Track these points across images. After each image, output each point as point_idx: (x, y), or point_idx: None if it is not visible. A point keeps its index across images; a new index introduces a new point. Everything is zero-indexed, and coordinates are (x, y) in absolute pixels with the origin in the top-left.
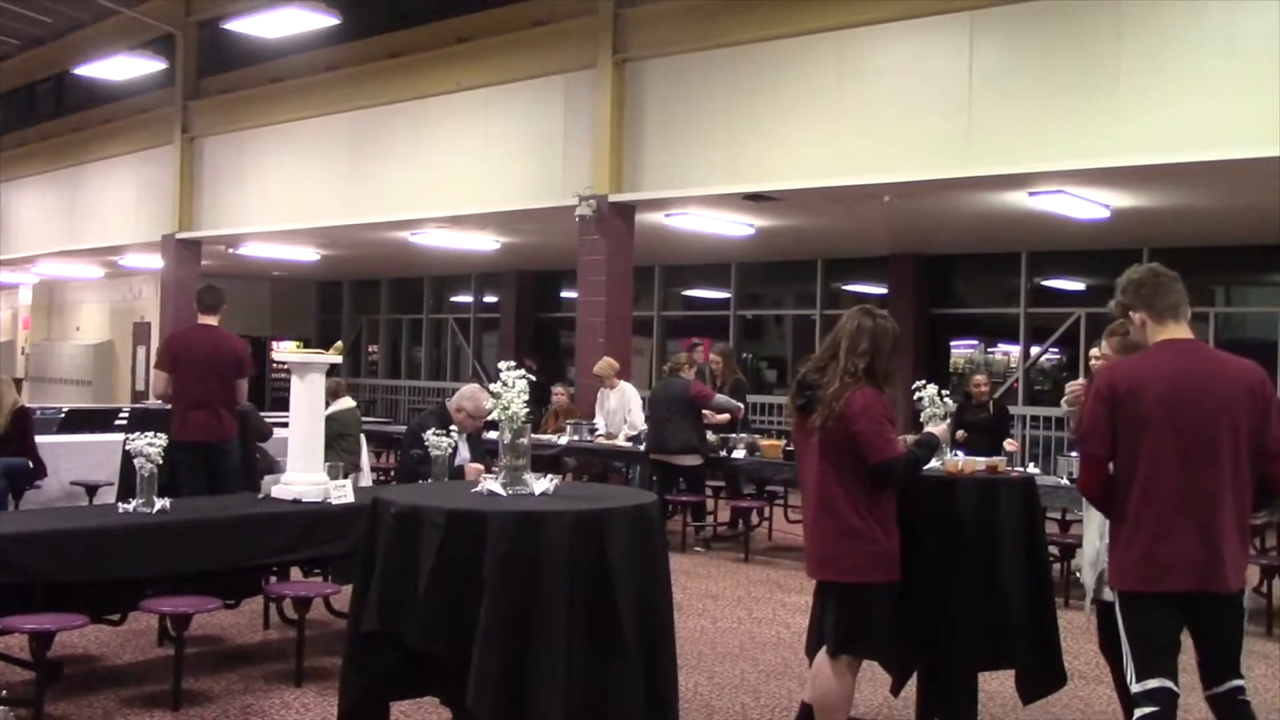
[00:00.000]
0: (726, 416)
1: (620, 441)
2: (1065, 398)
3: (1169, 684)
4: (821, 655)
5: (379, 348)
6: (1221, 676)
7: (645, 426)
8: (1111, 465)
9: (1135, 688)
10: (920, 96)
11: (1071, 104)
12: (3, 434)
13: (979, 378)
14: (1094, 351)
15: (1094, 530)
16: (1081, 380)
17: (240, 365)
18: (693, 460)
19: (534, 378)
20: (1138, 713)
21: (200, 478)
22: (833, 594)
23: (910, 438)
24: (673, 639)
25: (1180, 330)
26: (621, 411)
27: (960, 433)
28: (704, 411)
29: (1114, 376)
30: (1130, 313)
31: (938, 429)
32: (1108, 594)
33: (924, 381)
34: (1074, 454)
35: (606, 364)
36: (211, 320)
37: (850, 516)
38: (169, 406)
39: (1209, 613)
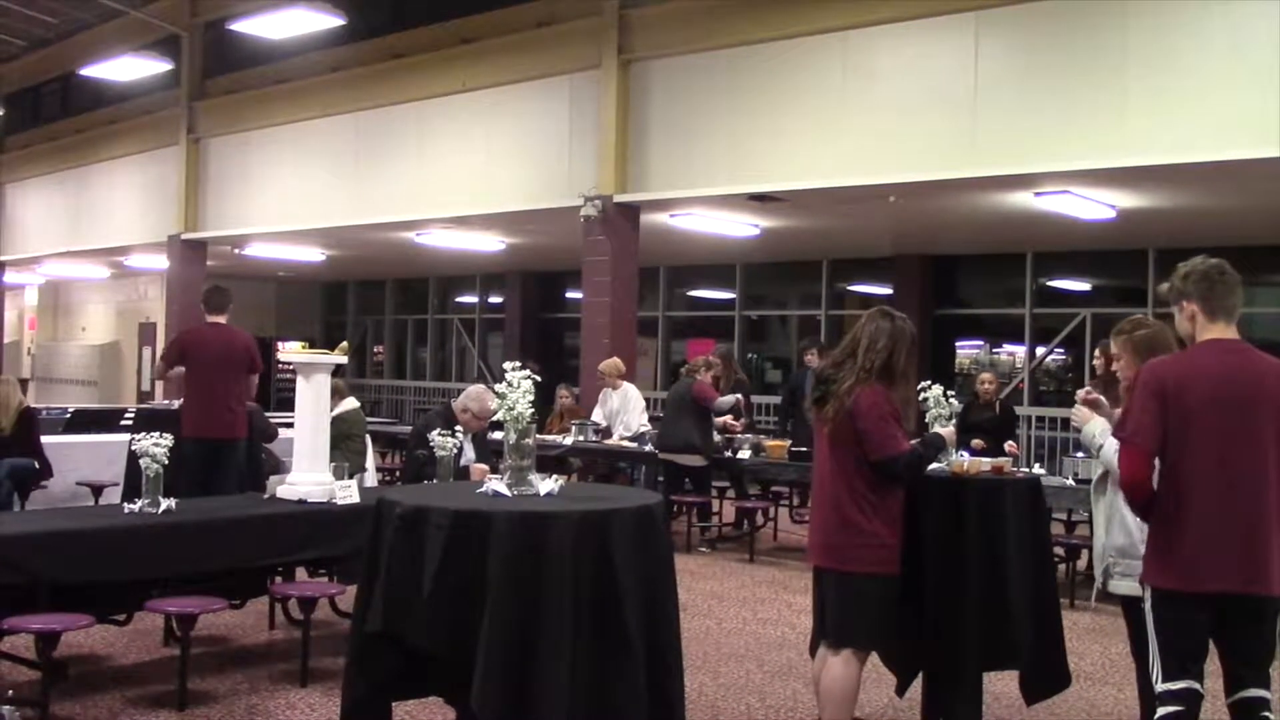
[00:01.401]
0: (743, 422)
1: (619, 441)
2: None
3: (1196, 686)
4: (827, 651)
5: (384, 348)
6: (1247, 683)
7: (644, 428)
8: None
9: (1160, 687)
10: (925, 97)
11: (1077, 104)
12: (9, 434)
13: (985, 376)
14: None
15: (1100, 527)
16: (1087, 388)
17: (253, 360)
18: (694, 460)
19: (537, 378)
20: (1161, 711)
21: (199, 477)
22: (831, 583)
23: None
24: (678, 639)
25: (1228, 331)
26: (622, 412)
27: (978, 442)
28: (717, 419)
29: (1161, 372)
30: (1183, 301)
31: (945, 430)
32: (1111, 585)
33: (930, 382)
34: (1079, 455)
35: (612, 364)
36: (220, 320)
37: (852, 509)
38: (176, 405)
39: (1245, 615)
